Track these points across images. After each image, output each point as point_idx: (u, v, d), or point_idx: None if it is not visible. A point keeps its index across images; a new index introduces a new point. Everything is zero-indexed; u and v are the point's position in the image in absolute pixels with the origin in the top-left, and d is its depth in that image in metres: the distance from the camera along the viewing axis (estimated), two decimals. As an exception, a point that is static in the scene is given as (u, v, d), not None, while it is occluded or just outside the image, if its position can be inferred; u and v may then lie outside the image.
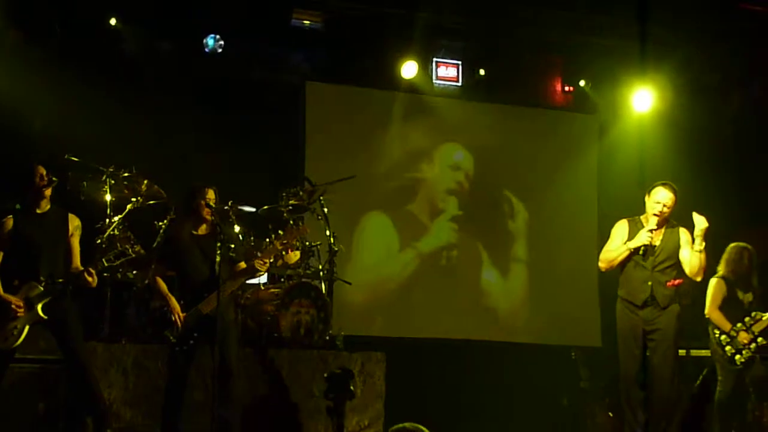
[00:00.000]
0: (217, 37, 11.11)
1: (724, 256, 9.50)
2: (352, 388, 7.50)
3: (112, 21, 10.81)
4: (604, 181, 12.85)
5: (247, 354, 8.74)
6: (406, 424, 7.22)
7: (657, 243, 8.12)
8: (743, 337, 9.14)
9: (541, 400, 11.09)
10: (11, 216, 7.36)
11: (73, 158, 9.00)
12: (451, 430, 9.75)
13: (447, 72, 12.43)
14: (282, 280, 9.81)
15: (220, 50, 11.15)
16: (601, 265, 8.35)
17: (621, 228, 8.32)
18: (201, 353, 7.65)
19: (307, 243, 9.73)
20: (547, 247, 12.57)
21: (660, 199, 8.16)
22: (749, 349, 9.15)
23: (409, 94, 12.22)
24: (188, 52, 11.16)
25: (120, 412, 8.26)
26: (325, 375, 7.58)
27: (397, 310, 12.00)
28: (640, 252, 8.10)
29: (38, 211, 7.41)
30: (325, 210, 9.95)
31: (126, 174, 9.16)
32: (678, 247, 8.13)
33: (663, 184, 8.25)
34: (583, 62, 12.61)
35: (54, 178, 7.40)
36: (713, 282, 9.37)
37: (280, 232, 7.87)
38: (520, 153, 12.69)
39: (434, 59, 12.33)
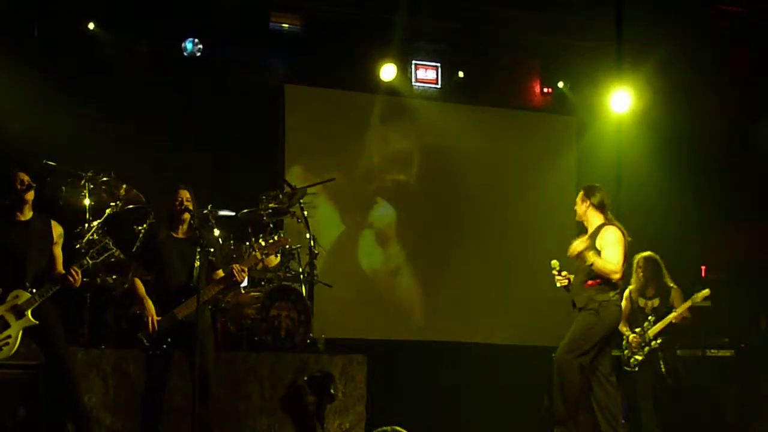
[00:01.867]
0: (196, 40, 11.10)
1: None
2: (332, 390, 7.51)
3: (90, 25, 10.79)
4: (582, 182, 12.74)
5: (228, 358, 8.73)
6: (386, 428, 7.24)
7: (581, 247, 8.18)
8: (632, 339, 9.61)
9: (523, 401, 11.10)
10: None
11: (51, 163, 8.98)
12: (432, 432, 9.80)
13: (426, 74, 12.47)
14: (262, 283, 9.81)
15: (198, 54, 11.14)
16: None
17: None
18: (179, 358, 7.63)
19: (288, 246, 9.73)
20: (527, 249, 12.58)
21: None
22: (642, 352, 9.57)
23: (388, 96, 12.24)
24: (167, 56, 11.14)
25: (100, 417, 8.23)
26: (306, 378, 7.58)
27: (379, 312, 12.02)
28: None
29: (21, 218, 7.34)
30: (305, 213, 9.96)
31: (105, 178, 9.14)
32: (594, 247, 8.12)
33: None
34: (561, 64, 12.67)
35: (33, 183, 7.37)
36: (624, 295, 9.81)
37: (261, 242, 7.85)
38: (500, 154, 12.71)
39: (413, 62, 12.36)
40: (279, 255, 9.57)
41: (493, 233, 12.57)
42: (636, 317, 9.78)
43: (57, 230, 7.48)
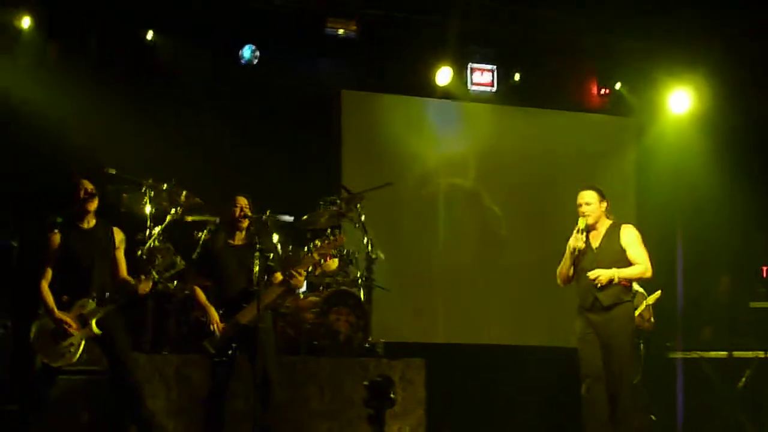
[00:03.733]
0: (254, 47, 11.15)
1: None
2: (392, 395, 7.51)
3: (149, 34, 10.88)
4: (642, 184, 12.79)
5: (287, 362, 8.78)
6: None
7: (596, 244, 8.08)
8: None
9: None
10: (58, 231, 7.39)
11: (111, 171, 9.09)
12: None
13: (482, 77, 12.41)
14: (321, 288, 9.85)
15: (255, 61, 11.19)
16: (558, 281, 8.32)
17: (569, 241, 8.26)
18: (241, 362, 7.69)
19: (345, 251, 9.77)
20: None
21: (579, 200, 8.19)
22: None
23: (444, 100, 12.24)
24: (224, 63, 11.21)
25: (163, 422, 8.32)
26: (365, 383, 7.59)
27: (437, 316, 12.01)
28: (575, 253, 8.07)
29: (85, 226, 7.43)
30: (363, 218, 9.98)
31: (165, 186, 9.24)
32: (620, 245, 8.04)
33: (583, 187, 8.28)
34: (618, 65, 12.54)
35: (96, 191, 7.45)
36: None
37: (317, 242, 7.88)
38: (557, 157, 12.62)
39: (469, 65, 12.31)
40: (337, 260, 9.61)
41: (551, 237, 12.44)
42: None
43: (119, 236, 7.57)
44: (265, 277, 7.66)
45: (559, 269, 8.23)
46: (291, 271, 7.64)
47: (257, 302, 7.38)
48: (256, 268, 7.51)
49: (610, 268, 7.93)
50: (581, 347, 8.05)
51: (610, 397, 7.92)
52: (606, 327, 7.96)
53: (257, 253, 7.52)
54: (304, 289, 9.78)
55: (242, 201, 7.76)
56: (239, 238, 7.79)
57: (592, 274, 7.90)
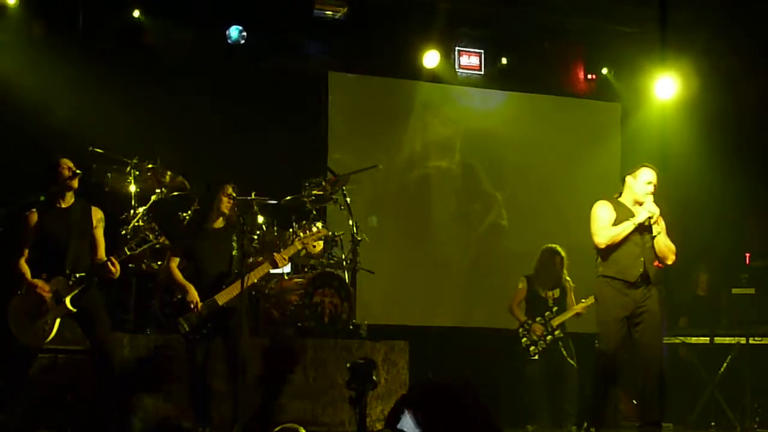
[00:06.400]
0: (241, 28, 11.13)
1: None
2: (375, 377, 7.52)
3: (135, 13, 10.85)
4: (627, 169, 12.76)
5: (271, 343, 8.80)
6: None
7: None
8: (536, 328, 10.04)
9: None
10: (35, 210, 7.39)
11: (96, 150, 9.08)
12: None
13: (469, 61, 12.43)
14: (305, 269, 9.86)
15: (243, 41, 11.17)
16: (603, 241, 8.10)
17: (607, 208, 8.18)
18: (218, 343, 7.72)
19: (330, 233, 9.78)
20: (571, 236, 12.51)
21: (651, 179, 8.16)
22: (544, 341, 10.03)
23: (432, 83, 12.24)
24: (211, 43, 11.19)
25: (144, 402, 8.34)
26: (348, 365, 7.61)
27: (421, 298, 12.02)
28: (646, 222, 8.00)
29: (63, 205, 7.44)
30: (348, 200, 9.98)
31: (150, 165, 9.23)
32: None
33: (647, 166, 8.29)
34: (605, 50, 12.57)
35: (78, 171, 7.45)
36: (519, 281, 10.34)
37: (300, 233, 7.96)
38: (543, 141, 12.65)
39: (456, 48, 12.33)
40: (322, 242, 9.62)
41: (537, 221, 12.52)
42: (534, 306, 10.17)
43: (97, 215, 7.56)
44: (250, 259, 7.71)
45: (612, 233, 8.02)
46: (278, 256, 7.69)
47: (240, 284, 7.42)
48: (235, 251, 7.58)
49: (653, 245, 7.98)
50: (612, 330, 8.00)
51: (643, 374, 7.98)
52: (644, 303, 7.93)
53: (235, 236, 7.58)
54: (288, 270, 9.80)
55: (228, 189, 7.80)
56: (219, 222, 7.82)
57: (652, 209, 7.89)
